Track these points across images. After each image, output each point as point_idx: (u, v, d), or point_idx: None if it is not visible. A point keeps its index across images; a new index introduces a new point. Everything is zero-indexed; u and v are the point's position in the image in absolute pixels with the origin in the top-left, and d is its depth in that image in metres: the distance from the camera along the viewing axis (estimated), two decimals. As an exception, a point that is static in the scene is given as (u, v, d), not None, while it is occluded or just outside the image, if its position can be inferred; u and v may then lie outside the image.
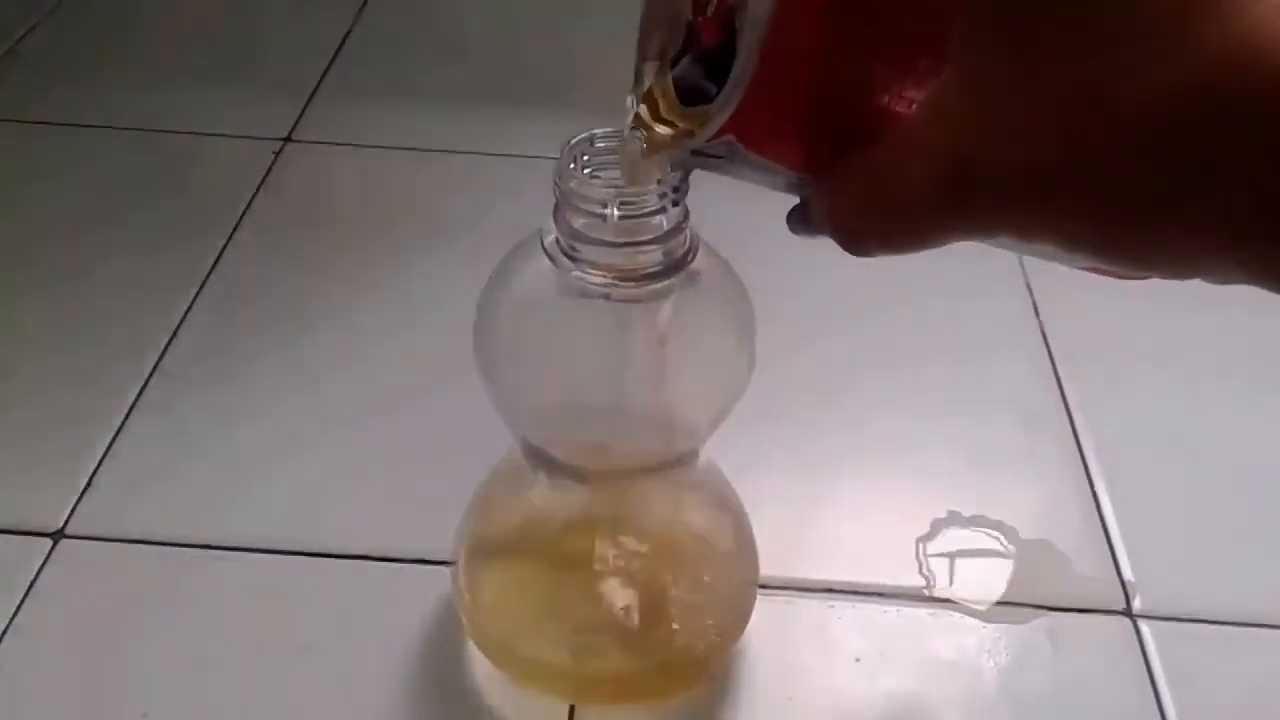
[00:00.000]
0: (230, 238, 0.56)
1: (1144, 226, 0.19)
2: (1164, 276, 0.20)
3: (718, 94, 0.21)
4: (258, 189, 0.59)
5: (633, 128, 0.25)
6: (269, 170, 0.60)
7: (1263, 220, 0.18)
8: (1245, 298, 0.19)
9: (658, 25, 0.24)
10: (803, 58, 0.21)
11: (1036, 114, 0.19)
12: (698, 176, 0.26)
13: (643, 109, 0.24)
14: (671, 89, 0.24)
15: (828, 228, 0.23)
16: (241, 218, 0.57)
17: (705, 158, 0.23)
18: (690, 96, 0.23)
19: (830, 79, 0.21)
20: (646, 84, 0.24)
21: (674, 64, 0.24)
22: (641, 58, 0.24)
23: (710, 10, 0.23)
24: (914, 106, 0.21)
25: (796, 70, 0.21)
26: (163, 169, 0.61)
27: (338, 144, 0.63)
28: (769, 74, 0.20)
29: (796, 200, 0.25)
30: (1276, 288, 0.19)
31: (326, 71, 0.69)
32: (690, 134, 0.22)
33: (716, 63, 0.21)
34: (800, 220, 0.25)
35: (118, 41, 0.72)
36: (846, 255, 0.23)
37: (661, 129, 0.24)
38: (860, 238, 0.23)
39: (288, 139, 0.63)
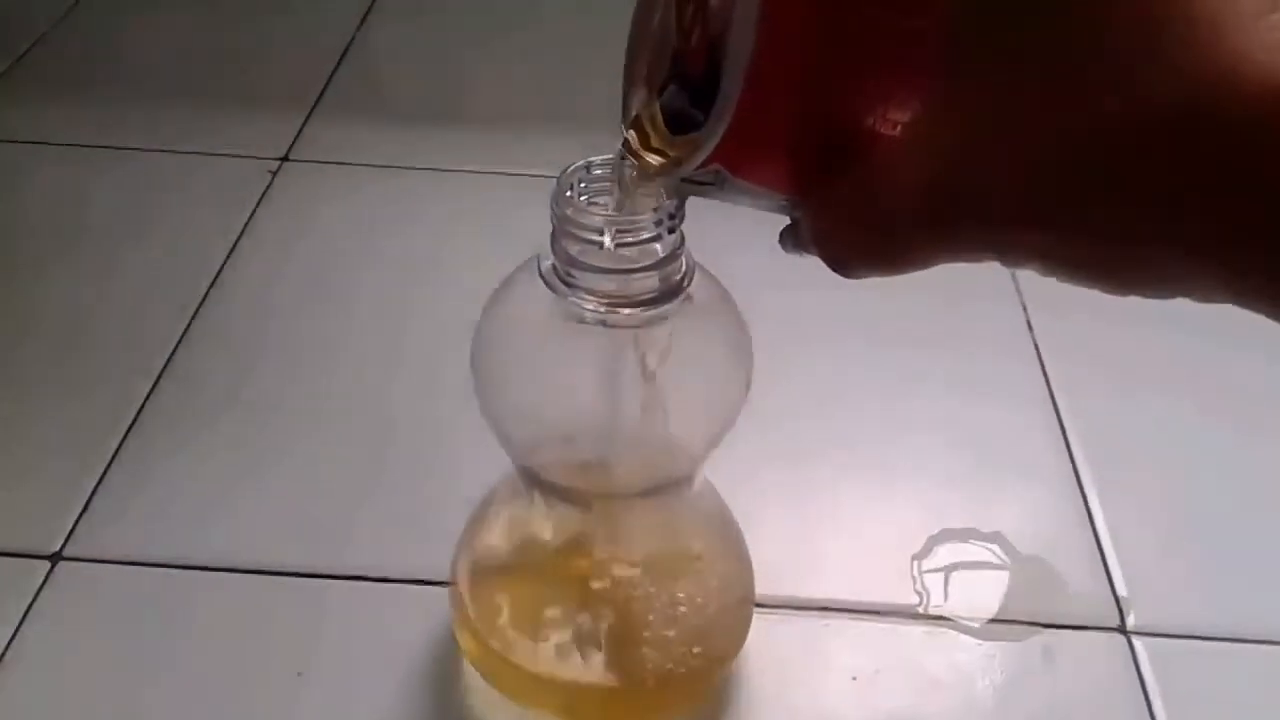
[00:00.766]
0: (227, 258, 0.56)
1: (1129, 248, 0.19)
2: (1147, 296, 0.20)
3: (705, 121, 0.21)
4: (255, 208, 0.59)
5: (623, 156, 0.25)
6: (266, 189, 0.61)
7: (1250, 241, 0.18)
8: (1236, 316, 0.19)
9: (644, 53, 0.24)
10: (786, 85, 0.21)
11: (1018, 136, 0.19)
12: (693, 201, 0.26)
13: (632, 136, 0.24)
14: (659, 117, 0.24)
15: (815, 249, 0.24)
16: (239, 238, 0.57)
17: (695, 185, 0.23)
18: (678, 123, 0.23)
19: (814, 105, 0.21)
20: (635, 111, 0.24)
21: (661, 91, 0.24)
22: (629, 86, 0.24)
23: (694, 39, 0.23)
24: (898, 129, 0.22)
25: (780, 98, 0.21)
26: (159, 187, 0.61)
27: (335, 163, 0.63)
28: (753, 103, 0.20)
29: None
30: (1262, 309, 0.19)
31: (324, 90, 0.69)
32: (679, 162, 0.22)
33: (702, 90, 0.22)
34: (792, 240, 0.25)
35: (108, 61, 0.73)
36: (839, 277, 0.23)
37: (651, 157, 0.24)
38: (846, 260, 0.23)
39: (285, 158, 0.63)
